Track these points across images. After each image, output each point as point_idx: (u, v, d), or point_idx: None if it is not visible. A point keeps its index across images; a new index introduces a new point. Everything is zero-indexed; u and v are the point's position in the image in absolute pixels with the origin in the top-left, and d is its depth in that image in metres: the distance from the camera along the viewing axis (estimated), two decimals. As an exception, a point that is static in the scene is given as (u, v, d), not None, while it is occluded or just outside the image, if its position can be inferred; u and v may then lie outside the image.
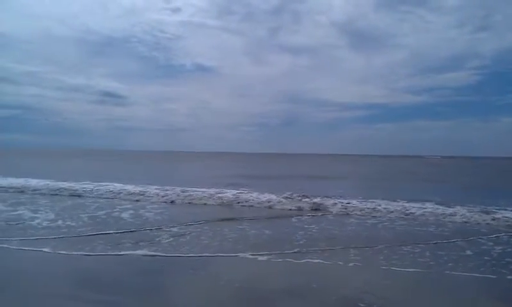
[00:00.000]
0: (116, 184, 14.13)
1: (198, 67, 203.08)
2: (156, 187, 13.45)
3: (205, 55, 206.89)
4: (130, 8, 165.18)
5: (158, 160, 54.51)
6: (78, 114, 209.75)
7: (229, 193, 12.35)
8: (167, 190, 12.84)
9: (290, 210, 10.48)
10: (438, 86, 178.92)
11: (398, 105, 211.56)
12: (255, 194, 11.97)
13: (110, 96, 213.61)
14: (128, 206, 10.70)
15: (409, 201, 11.02)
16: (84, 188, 13.50)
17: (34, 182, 14.73)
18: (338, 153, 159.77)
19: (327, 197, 11.52)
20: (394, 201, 11.02)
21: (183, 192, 12.54)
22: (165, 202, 11.59)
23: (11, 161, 38.85)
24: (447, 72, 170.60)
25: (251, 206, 11.00)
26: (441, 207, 10.17)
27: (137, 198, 12.02)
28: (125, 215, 9.33)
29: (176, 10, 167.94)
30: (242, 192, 12.47)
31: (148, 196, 12.17)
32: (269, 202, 11.14)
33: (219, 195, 12.06)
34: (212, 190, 12.79)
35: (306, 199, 11.12)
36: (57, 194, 12.87)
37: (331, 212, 10.07)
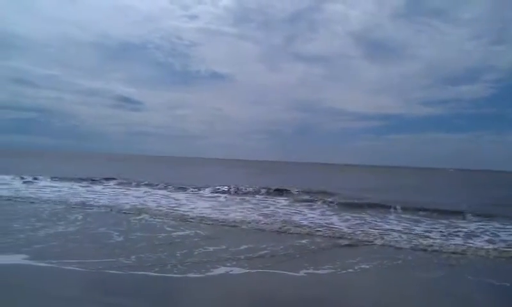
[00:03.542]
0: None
1: (213, 74, 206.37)
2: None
3: (220, 62, 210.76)
4: (148, 15, 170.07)
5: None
6: (94, 118, 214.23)
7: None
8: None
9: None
10: (453, 98, 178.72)
11: (412, 116, 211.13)
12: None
13: (126, 101, 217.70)
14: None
15: None
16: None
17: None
18: (350, 163, 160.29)
19: None
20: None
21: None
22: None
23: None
24: (463, 84, 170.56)
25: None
26: None
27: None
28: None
29: (194, 17, 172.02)
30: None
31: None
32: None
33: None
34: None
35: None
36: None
37: None
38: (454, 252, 7.56)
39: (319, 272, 5.81)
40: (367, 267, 6.23)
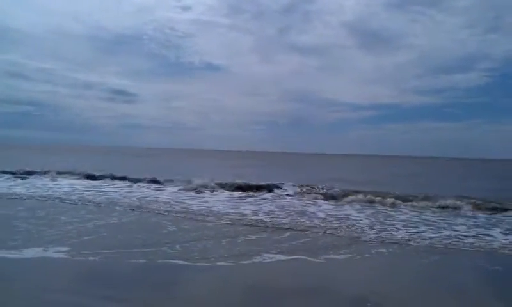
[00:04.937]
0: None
1: (208, 65, 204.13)
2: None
3: (214, 53, 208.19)
4: (142, 6, 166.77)
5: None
6: (89, 110, 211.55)
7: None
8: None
9: None
10: (448, 87, 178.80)
11: (407, 105, 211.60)
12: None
13: (120, 94, 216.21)
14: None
15: None
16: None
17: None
18: (346, 153, 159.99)
19: None
20: None
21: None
22: None
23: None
24: (457, 73, 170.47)
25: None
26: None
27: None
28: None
29: (187, 8, 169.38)
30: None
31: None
32: None
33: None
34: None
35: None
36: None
37: None
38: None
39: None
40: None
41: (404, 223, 9.41)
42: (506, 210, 11.16)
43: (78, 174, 18.82)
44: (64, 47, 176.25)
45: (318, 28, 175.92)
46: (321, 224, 8.94)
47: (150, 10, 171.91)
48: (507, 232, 8.48)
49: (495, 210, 11.17)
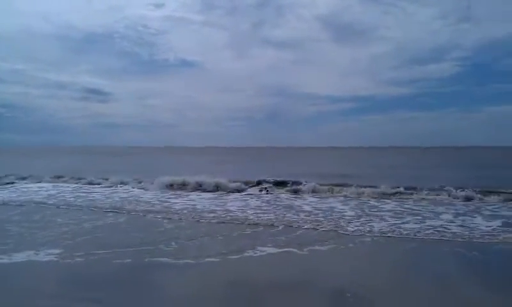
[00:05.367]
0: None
1: (182, 62, 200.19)
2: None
3: (189, 50, 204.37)
4: (113, 4, 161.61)
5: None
6: (62, 111, 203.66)
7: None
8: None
9: None
10: (422, 78, 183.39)
11: (384, 97, 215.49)
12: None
13: (94, 93, 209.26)
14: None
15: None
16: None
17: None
18: (325, 145, 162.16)
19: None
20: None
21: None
22: None
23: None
24: (431, 63, 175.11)
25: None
26: None
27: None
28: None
29: (160, 5, 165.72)
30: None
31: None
32: None
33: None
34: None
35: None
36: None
37: None
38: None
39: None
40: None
41: (390, 214, 9.52)
42: (485, 197, 11.57)
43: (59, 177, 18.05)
44: (34, 47, 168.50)
45: (291, 22, 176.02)
46: (307, 218, 8.91)
47: (121, 8, 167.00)
48: (490, 220, 8.73)
49: (472, 199, 11.47)
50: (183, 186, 14.71)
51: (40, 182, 16.99)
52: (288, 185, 14.46)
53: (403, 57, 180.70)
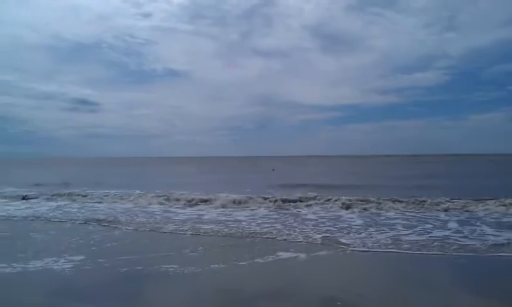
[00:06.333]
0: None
1: (170, 72, 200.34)
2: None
3: (177, 60, 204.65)
4: (101, 14, 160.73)
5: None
6: (50, 122, 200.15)
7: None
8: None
9: None
10: (408, 86, 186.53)
11: (370, 106, 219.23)
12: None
13: (82, 104, 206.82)
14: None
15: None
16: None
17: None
18: (312, 154, 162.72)
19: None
20: None
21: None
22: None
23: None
24: (416, 72, 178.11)
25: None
26: None
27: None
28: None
29: (148, 15, 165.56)
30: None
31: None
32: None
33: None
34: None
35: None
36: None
37: None
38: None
39: None
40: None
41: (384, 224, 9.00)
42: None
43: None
44: (22, 58, 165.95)
45: (279, 31, 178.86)
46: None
47: (108, 18, 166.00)
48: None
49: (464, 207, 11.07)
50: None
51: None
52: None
53: (389, 66, 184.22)
